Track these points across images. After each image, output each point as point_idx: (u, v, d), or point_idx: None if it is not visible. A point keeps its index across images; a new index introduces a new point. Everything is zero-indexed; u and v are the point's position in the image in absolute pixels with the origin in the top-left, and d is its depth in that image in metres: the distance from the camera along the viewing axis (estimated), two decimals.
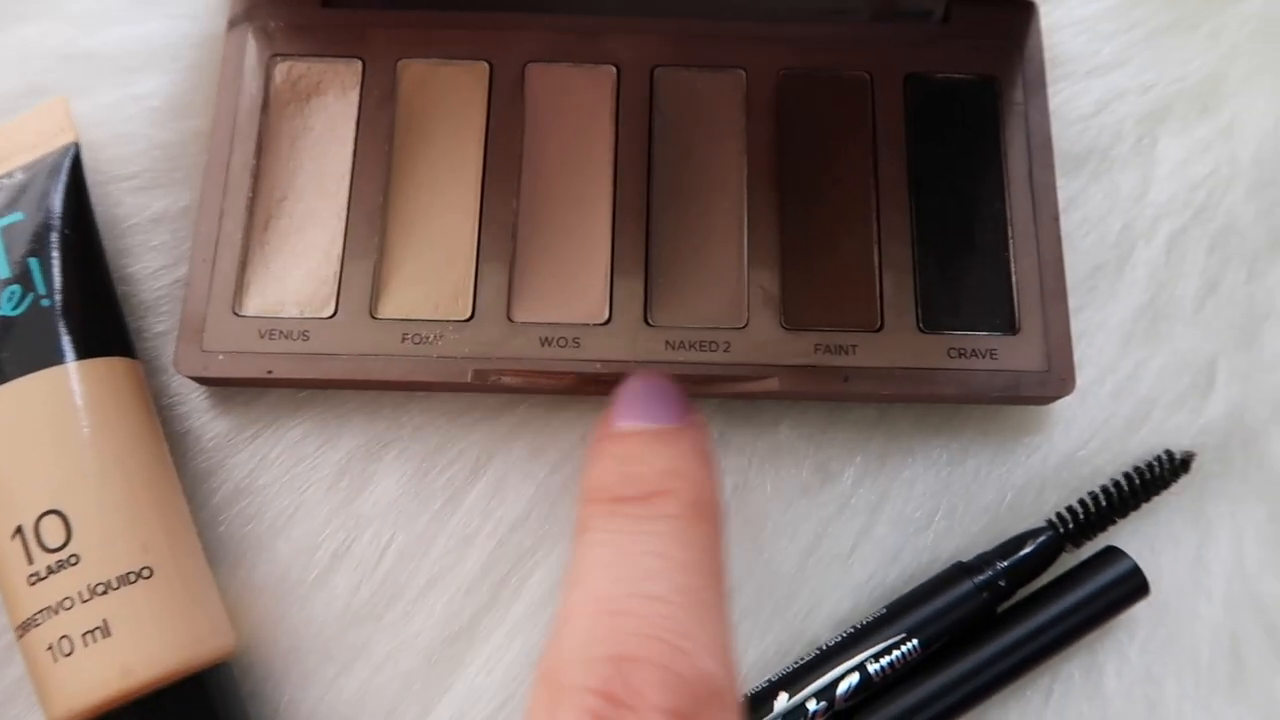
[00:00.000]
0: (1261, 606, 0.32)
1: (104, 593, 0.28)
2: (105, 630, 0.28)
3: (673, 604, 0.20)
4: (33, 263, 0.31)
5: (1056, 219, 0.33)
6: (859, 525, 0.32)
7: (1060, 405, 0.33)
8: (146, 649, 0.28)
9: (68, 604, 0.28)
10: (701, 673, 0.20)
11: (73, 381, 0.30)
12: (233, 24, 0.35)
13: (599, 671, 0.19)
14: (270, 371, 0.31)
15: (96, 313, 0.32)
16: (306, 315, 0.32)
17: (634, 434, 0.24)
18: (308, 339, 0.32)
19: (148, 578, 0.29)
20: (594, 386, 0.32)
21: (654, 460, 0.24)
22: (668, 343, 0.32)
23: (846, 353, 0.32)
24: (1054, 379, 0.32)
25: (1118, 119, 0.36)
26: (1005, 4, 0.35)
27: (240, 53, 0.34)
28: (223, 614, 0.30)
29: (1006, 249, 0.33)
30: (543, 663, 0.20)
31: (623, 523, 0.22)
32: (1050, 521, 0.32)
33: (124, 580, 0.28)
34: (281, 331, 0.32)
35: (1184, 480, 0.32)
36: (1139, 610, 0.31)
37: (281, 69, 0.34)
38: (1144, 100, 0.36)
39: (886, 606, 0.31)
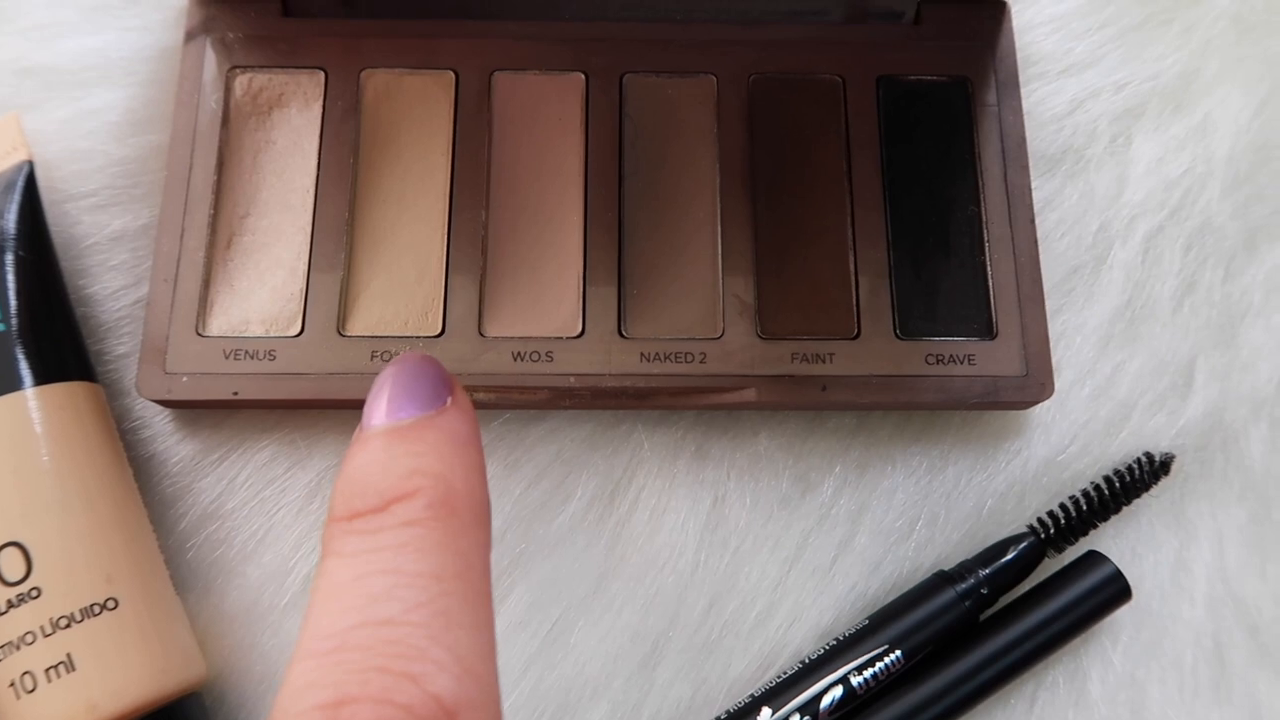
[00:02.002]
0: (1243, 608, 0.32)
1: (67, 626, 0.27)
2: (69, 665, 0.27)
3: (403, 625, 0.19)
4: None
5: (1032, 221, 0.33)
6: (840, 536, 0.32)
7: (1039, 409, 0.33)
8: (112, 682, 0.27)
9: (29, 639, 0.27)
10: (432, 695, 0.18)
11: (31, 408, 0.29)
12: (190, 36, 0.34)
13: None
14: (236, 393, 0.31)
15: (55, 336, 0.31)
16: (272, 334, 0.31)
17: (376, 435, 0.22)
18: (274, 358, 0.31)
19: (112, 609, 0.28)
20: (568, 400, 0.32)
21: (395, 463, 0.21)
22: (642, 354, 0.32)
23: (824, 361, 0.32)
24: (1032, 384, 0.32)
25: (1092, 118, 0.35)
26: (976, 4, 0.35)
27: (199, 65, 0.33)
28: (193, 643, 0.30)
29: (983, 252, 0.33)
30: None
31: (357, 542, 0.20)
32: (1031, 527, 0.32)
33: (87, 613, 0.27)
34: (247, 351, 0.31)
35: (1164, 482, 0.32)
36: (1122, 614, 0.31)
37: (241, 81, 0.34)
38: (1118, 99, 0.35)
39: (869, 618, 0.31)
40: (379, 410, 0.22)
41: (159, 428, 0.32)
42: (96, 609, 0.28)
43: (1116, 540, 0.32)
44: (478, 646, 0.19)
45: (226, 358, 0.31)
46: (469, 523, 0.21)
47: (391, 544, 0.20)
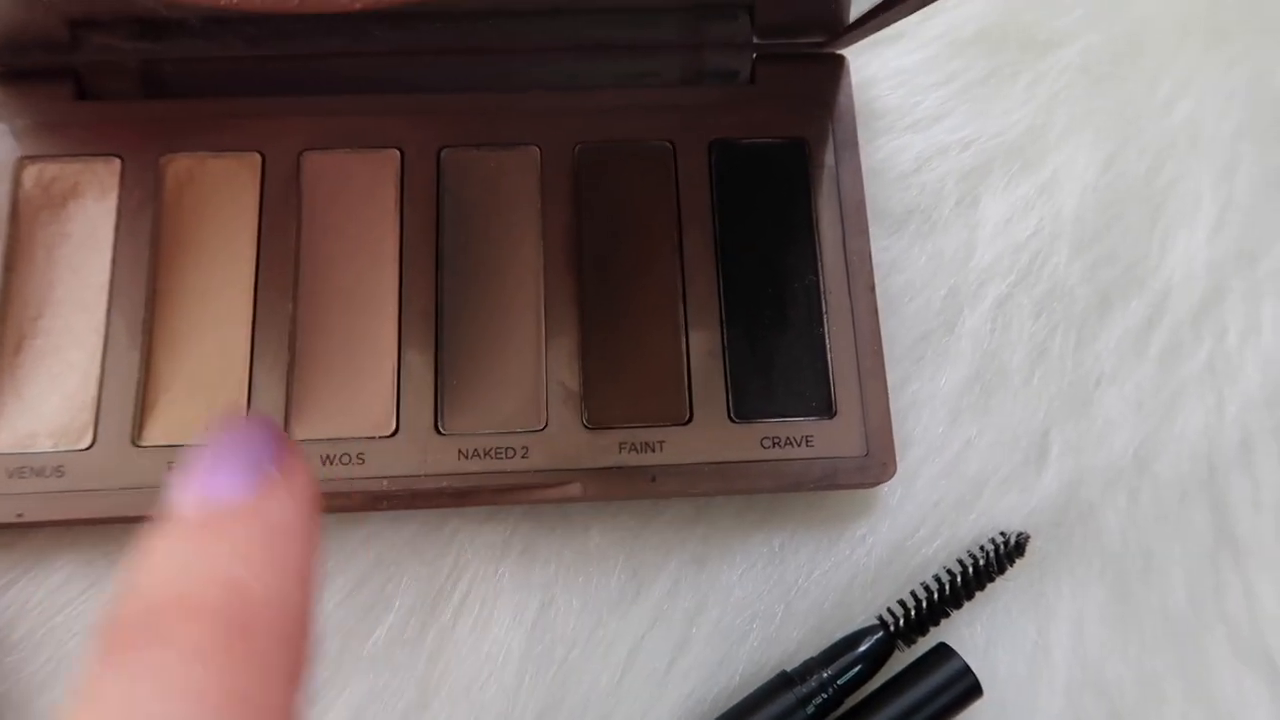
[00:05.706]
0: (1105, 693, 0.30)
1: None
2: None
3: None
4: None
5: (873, 289, 0.31)
6: (676, 637, 0.30)
7: (886, 489, 0.31)
8: None
9: None
10: None
11: None
12: None
13: None
14: (20, 515, 0.29)
15: None
16: (61, 448, 0.29)
17: (172, 527, 0.18)
18: (62, 475, 0.29)
19: None
20: (385, 503, 0.30)
21: (186, 567, 0.17)
22: (461, 452, 0.30)
23: (653, 450, 0.30)
24: (873, 464, 0.30)
25: (939, 177, 0.34)
26: (814, 61, 0.33)
27: None
28: None
29: (821, 325, 0.31)
30: None
31: (127, 660, 0.16)
32: (880, 619, 0.30)
33: None
34: (33, 468, 0.29)
35: (1020, 563, 0.31)
36: (979, 707, 0.30)
37: (31, 172, 0.32)
38: (965, 156, 0.34)
39: None
40: (183, 491, 0.18)
41: None
42: None
43: (971, 627, 0.31)
44: None
45: (10, 476, 0.29)
46: (267, 645, 0.17)
47: (165, 671, 0.16)
